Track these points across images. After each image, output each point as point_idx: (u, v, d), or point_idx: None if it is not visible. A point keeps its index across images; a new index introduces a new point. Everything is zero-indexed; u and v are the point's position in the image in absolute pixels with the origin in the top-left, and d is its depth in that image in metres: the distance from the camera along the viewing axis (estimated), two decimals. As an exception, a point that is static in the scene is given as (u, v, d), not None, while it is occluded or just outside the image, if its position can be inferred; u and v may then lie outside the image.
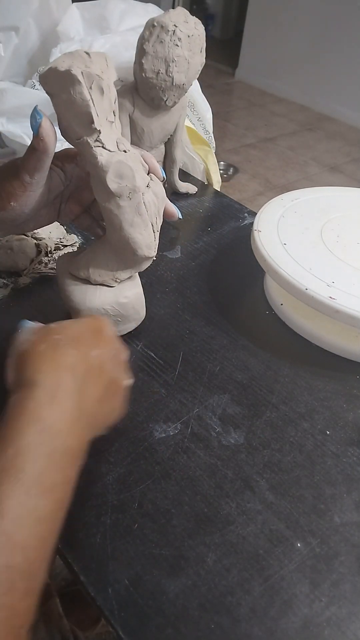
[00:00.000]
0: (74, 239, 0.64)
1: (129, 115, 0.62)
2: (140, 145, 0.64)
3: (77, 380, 0.32)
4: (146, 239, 0.43)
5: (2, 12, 0.70)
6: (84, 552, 0.34)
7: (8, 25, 0.71)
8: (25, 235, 0.60)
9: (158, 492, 0.38)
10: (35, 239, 0.60)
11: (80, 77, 0.35)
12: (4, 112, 0.67)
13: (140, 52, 0.57)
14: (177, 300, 0.57)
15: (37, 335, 0.34)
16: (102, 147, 0.38)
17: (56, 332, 0.34)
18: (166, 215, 0.46)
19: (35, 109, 0.38)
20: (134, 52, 0.58)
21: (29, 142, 0.66)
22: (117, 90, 0.65)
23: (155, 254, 0.45)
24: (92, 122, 0.37)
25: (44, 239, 0.61)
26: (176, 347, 0.51)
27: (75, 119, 0.37)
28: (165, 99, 0.59)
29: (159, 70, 0.56)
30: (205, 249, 0.65)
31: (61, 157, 0.43)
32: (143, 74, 0.57)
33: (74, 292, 0.46)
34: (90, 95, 0.36)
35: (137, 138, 0.64)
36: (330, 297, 0.47)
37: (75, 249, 0.63)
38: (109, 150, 0.38)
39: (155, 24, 0.55)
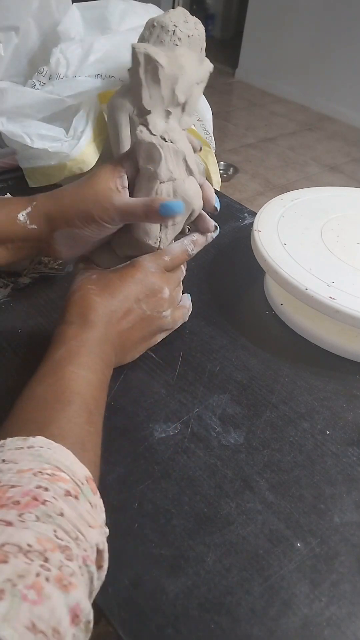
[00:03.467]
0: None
1: (129, 115, 0.62)
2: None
3: (101, 318, 0.40)
4: (146, 224, 0.44)
5: (2, 12, 0.70)
6: (84, 552, 0.34)
7: (8, 25, 0.71)
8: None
9: (158, 492, 0.38)
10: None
11: (140, 57, 0.40)
12: (4, 112, 0.67)
13: (141, 52, 0.56)
14: (177, 300, 0.57)
15: (79, 283, 0.43)
16: (146, 127, 0.42)
17: (91, 281, 0.43)
18: (201, 228, 0.50)
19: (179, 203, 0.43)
20: (134, 52, 0.58)
21: (29, 142, 0.66)
22: (117, 90, 0.65)
23: (154, 244, 0.45)
24: (142, 99, 0.42)
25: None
26: (176, 347, 0.51)
27: (134, 91, 0.43)
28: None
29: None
30: (205, 249, 0.65)
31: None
32: (143, 74, 0.57)
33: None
34: (145, 76, 0.41)
35: (137, 138, 0.64)
36: (330, 297, 0.47)
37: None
38: (149, 132, 0.42)
39: (155, 24, 0.55)
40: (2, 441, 0.28)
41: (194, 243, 0.48)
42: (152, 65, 0.40)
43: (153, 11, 0.77)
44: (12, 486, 0.24)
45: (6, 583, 0.19)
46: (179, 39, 0.55)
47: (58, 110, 0.68)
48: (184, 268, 0.49)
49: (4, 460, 0.26)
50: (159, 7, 0.79)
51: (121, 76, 0.68)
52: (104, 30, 0.74)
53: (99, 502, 0.29)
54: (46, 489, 0.25)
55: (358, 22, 3.11)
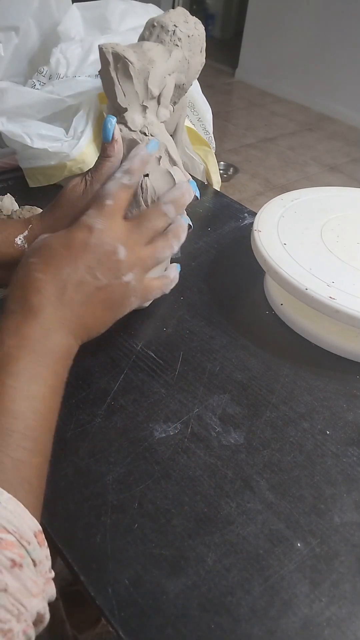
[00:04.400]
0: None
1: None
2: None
3: (48, 301, 0.35)
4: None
5: (2, 12, 0.70)
6: (84, 552, 0.34)
7: (8, 25, 0.71)
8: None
9: (158, 492, 0.38)
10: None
11: (109, 57, 0.41)
12: (4, 112, 0.67)
13: (140, 52, 0.57)
14: (177, 300, 0.57)
15: (24, 256, 0.38)
16: (125, 125, 0.43)
17: (32, 254, 0.37)
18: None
19: (108, 117, 0.42)
20: (134, 52, 0.58)
21: (29, 142, 0.66)
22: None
23: None
24: (116, 98, 0.42)
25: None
26: (176, 347, 0.51)
27: (107, 92, 0.43)
28: None
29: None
30: (205, 249, 0.65)
31: None
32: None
33: None
34: (116, 75, 0.41)
35: (137, 138, 0.64)
36: (330, 297, 0.47)
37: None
38: (129, 129, 0.43)
39: (155, 24, 0.55)
40: None
41: (128, 172, 0.41)
42: (122, 63, 0.41)
43: (153, 11, 0.77)
44: None
45: None
46: (179, 39, 0.55)
47: (58, 110, 0.68)
48: (158, 222, 0.42)
49: None
50: (159, 7, 0.79)
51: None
52: (104, 30, 0.74)
53: (45, 553, 0.27)
54: None
55: (358, 22, 3.11)
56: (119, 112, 0.43)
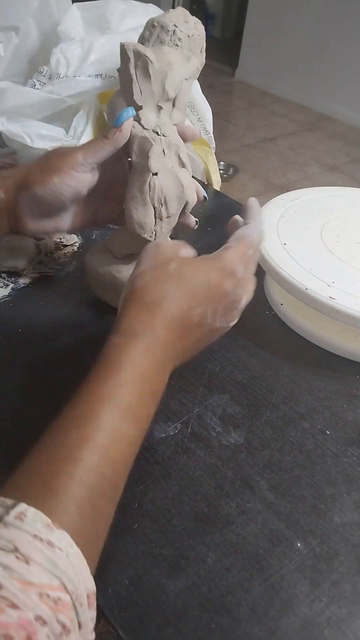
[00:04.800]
0: (73, 239, 0.64)
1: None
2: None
3: (172, 336, 0.33)
4: (141, 217, 0.44)
5: (2, 12, 0.70)
6: (84, 552, 0.34)
7: (8, 25, 0.71)
8: (26, 236, 0.60)
9: (158, 492, 0.38)
10: (35, 239, 0.60)
11: (130, 54, 0.41)
12: (4, 112, 0.67)
13: (141, 52, 0.57)
14: (177, 300, 0.57)
15: (148, 277, 0.35)
16: (138, 122, 0.43)
17: (170, 277, 0.34)
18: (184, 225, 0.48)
19: (129, 108, 0.43)
20: (134, 52, 0.58)
21: (29, 142, 0.66)
22: (117, 90, 0.65)
23: (149, 236, 0.46)
24: (133, 95, 0.42)
25: (44, 239, 0.61)
26: (176, 347, 0.50)
27: (124, 89, 0.44)
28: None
29: None
30: (205, 249, 0.65)
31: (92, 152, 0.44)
32: (143, 74, 0.57)
33: (106, 270, 0.49)
34: (135, 72, 0.42)
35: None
36: (330, 297, 0.47)
37: (75, 248, 0.63)
38: (142, 127, 0.43)
39: (155, 24, 0.55)
40: (24, 507, 0.25)
41: (258, 243, 0.40)
42: (142, 61, 0.41)
43: (153, 11, 0.77)
44: (13, 605, 0.22)
45: None
46: (179, 39, 0.55)
47: (58, 110, 0.68)
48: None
49: (16, 550, 0.23)
50: (159, 7, 0.79)
51: (121, 76, 0.68)
52: (104, 30, 0.74)
53: (92, 615, 0.26)
54: (44, 623, 0.23)
55: (358, 22, 3.11)
56: (134, 110, 0.44)
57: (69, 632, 0.24)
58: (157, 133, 0.44)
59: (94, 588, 0.26)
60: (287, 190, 0.65)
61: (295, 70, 3.59)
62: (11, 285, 0.56)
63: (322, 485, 0.40)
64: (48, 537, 0.24)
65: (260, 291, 0.61)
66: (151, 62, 0.41)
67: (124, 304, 0.35)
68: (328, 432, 0.44)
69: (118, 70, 0.45)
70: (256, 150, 2.96)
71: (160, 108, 0.44)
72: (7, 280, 0.56)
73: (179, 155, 0.44)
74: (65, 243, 0.63)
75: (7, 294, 0.55)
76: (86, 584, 0.25)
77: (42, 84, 0.70)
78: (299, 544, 0.36)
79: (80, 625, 0.25)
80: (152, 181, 0.43)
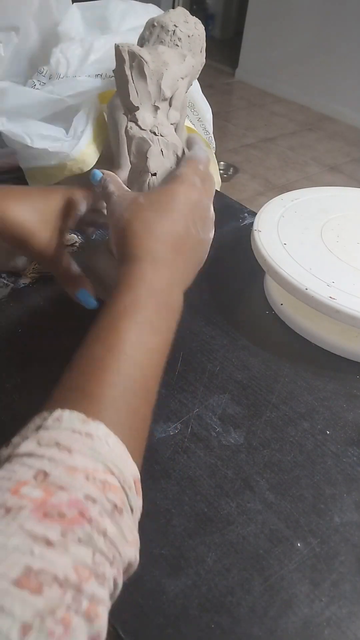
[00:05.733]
0: (74, 239, 0.64)
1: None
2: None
3: (169, 249, 0.37)
4: None
5: (2, 12, 0.70)
6: (84, 552, 0.34)
7: (8, 25, 0.71)
8: None
9: (158, 492, 0.38)
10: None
11: (125, 55, 0.41)
12: (4, 112, 0.67)
13: (141, 52, 0.56)
14: (177, 300, 0.57)
15: (129, 212, 0.38)
16: (135, 123, 0.43)
17: (145, 207, 0.38)
18: None
19: (95, 172, 0.44)
20: (134, 52, 0.58)
21: (29, 142, 0.66)
22: (116, 91, 0.65)
23: None
24: (129, 96, 0.43)
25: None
26: (176, 347, 0.50)
27: (120, 90, 0.44)
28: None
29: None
30: (205, 249, 0.65)
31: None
32: (143, 74, 0.57)
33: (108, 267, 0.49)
34: (131, 73, 0.42)
35: (137, 138, 0.64)
36: (330, 297, 0.47)
37: (75, 248, 0.63)
38: (139, 127, 0.43)
39: (155, 24, 0.55)
40: (60, 412, 0.27)
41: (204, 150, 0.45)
42: (137, 62, 0.42)
43: (153, 11, 0.77)
44: (61, 487, 0.23)
45: (35, 618, 0.19)
46: (179, 39, 0.55)
47: (58, 110, 0.68)
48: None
49: (57, 444, 0.25)
50: (159, 7, 0.79)
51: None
52: (104, 30, 0.74)
53: (140, 503, 0.28)
54: (94, 501, 0.24)
55: (358, 22, 3.11)
56: (130, 111, 0.44)
57: (121, 511, 0.25)
58: (154, 133, 0.44)
59: (139, 475, 0.28)
60: (287, 190, 0.65)
61: (295, 70, 3.59)
62: (11, 285, 0.56)
63: (322, 485, 0.40)
64: (86, 430, 0.26)
65: (260, 291, 0.61)
66: (146, 62, 0.42)
67: (118, 250, 0.38)
68: (328, 432, 0.44)
69: (113, 71, 0.45)
70: (256, 150, 2.96)
71: (157, 108, 0.44)
72: (7, 280, 0.56)
73: (177, 155, 0.45)
74: (65, 243, 0.63)
75: (7, 294, 0.55)
76: (131, 469, 0.27)
77: (42, 84, 0.70)
78: (299, 544, 0.36)
79: (132, 510, 0.27)
80: (150, 181, 0.43)
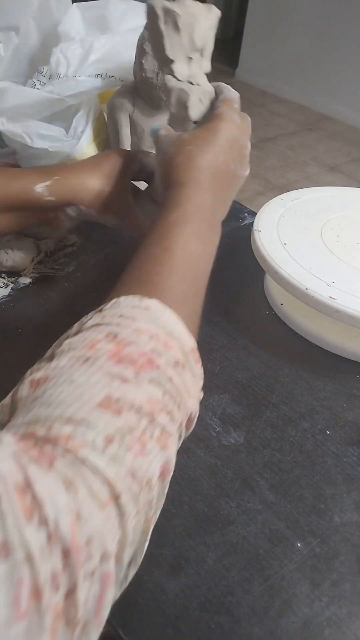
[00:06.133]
0: (74, 239, 0.64)
1: (129, 115, 0.62)
2: (141, 146, 0.64)
3: (210, 179, 0.39)
4: None
5: (2, 12, 0.70)
6: (84, 552, 0.34)
7: (8, 25, 0.71)
8: (26, 235, 0.60)
9: (158, 492, 0.38)
10: (36, 238, 0.60)
11: (159, 11, 0.43)
12: (4, 112, 0.67)
13: (141, 52, 0.57)
14: (177, 300, 0.57)
15: (174, 147, 0.41)
16: (172, 75, 0.45)
17: (188, 142, 0.41)
18: None
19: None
20: (134, 52, 0.58)
21: (29, 142, 0.66)
22: (116, 90, 0.65)
23: None
24: (164, 50, 0.44)
25: (45, 239, 0.61)
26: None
27: (154, 46, 0.46)
28: (165, 99, 0.59)
29: (159, 70, 0.56)
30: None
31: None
32: (143, 74, 0.57)
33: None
34: (166, 27, 0.44)
35: (137, 138, 0.64)
36: (330, 297, 0.47)
37: (75, 249, 0.63)
38: (177, 79, 0.45)
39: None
40: (116, 299, 0.29)
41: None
42: (171, 16, 0.43)
43: (153, 11, 0.77)
44: (130, 343, 0.26)
45: (117, 432, 0.22)
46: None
47: (58, 110, 0.68)
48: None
49: (121, 315, 0.28)
50: (159, 7, 0.78)
51: (121, 76, 0.68)
52: (104, 30, 0.74)
53: (200, 371, 0.30)
54: (160, 354, 0.26)
55: (358, 22, 3.11)
56: (166, 64, 0.45)
57: (183, 367, 0.28)
58: (191, 83, 0.45)
59: (195, 346, 0.30)
60: (287, 190, 0.65)
61: (295, 70, 3.59)
62: (11, 285, 0.56)
63: (322, 485, 0.40)
64: (144, 304, 0.29)
65: (260, 291, 0.61)
66: (180, 15, 0.43)
67: (163, 183, 0.41)
68: (328, 432, 0.44)
69: (145, 28, 0.46)
70: (256, 150, 2.96)
71: (190, 59, 0.46)
72: (7, 280, 0.56)
73: (212, 102, 0.46)
74: (66, 243, 0.63)
75: (7, 294, 0.55)
76: (187, 340, 0.29)
77: (42, 84, 0.70)
78: (299, 544, 0.36)
79: (193, 374, 0.29)
80: (192, 128, 0.45)
